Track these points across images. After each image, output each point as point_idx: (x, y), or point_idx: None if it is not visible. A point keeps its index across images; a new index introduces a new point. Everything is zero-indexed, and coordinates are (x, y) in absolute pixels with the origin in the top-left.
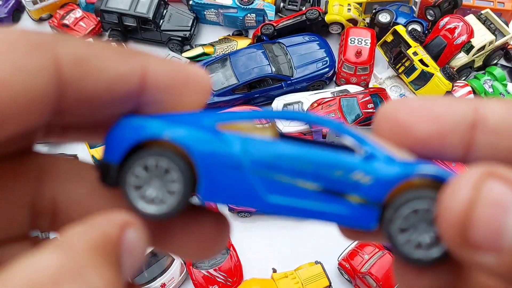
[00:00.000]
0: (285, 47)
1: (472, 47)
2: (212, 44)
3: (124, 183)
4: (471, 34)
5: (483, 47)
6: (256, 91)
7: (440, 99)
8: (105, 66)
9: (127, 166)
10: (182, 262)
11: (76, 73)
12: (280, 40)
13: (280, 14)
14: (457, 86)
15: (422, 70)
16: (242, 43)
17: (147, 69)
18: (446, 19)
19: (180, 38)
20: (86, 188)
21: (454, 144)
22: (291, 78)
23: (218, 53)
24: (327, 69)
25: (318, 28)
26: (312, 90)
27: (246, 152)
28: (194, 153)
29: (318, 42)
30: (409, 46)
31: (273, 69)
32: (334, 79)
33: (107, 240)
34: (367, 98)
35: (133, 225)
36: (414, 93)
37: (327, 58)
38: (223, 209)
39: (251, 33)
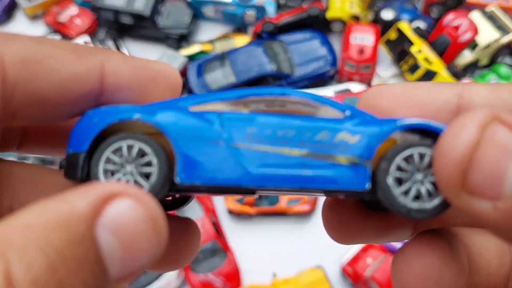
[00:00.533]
0: (285, 45)
1: (477, 45)
2: (210, 42)
3: (96, 172)
4: (476, 31)
5: (488, 45)
6: None
7: (423, 85)
8: (58, 66)
9: (98, 153)
10: None
11: (25, 74)
12: (280, 38)
13: (281, 11)
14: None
15: (426, 68)
16: (241, 40)
17: (105, 68)
18: (450, 17)
19: (177, 36)
20: (46, 195)
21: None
22: (292, 77)
23: (216, 51)
24: (329, 67)
25: (319, 25)
26: (313, 88)
27: (224, 125)
28: (168, 131)
29: (319, 39)
30: (413, 44)
31: (273, 67)
32: (336, 77)
33: (74, 216)
34: None
35: (123, 197)
36: None
37: (328, 56)
38: (221, 210)
39: (250, 30)
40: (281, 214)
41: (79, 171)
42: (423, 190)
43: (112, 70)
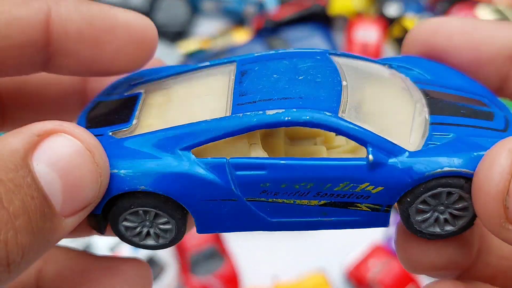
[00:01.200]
0: (287, 42)
1: None
2: (209, 38)
3: (118, 229)
4: None
5: None
6: None
7: (482, 23)
8: None
9: (112, 218)
10: (177, 269)
11: None
12: (281, 34)
13: (282, 6)
14: None
15: None
16: (241, 36)
17: (52, 13)
18: (456, 12)
19: (176, 31)
20: None
21: (491, 75)
22: None
23: (215, 48)
24: None
25: (322, 21)
26: None
27: (235, 180)
28: (180, 198)
29: (321, 36)
30: None
31: None
32: None
33: (6, 150)
34: None
35: (58, 133)
36: None
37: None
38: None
39: (250, 26)
40: None
41: (102, 229)
42: (441, 219)
43: (60, 16)
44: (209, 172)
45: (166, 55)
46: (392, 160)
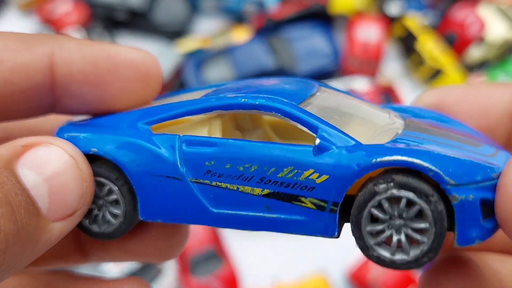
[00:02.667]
0: (287, 40)
1: (486, 40)
2: (209, 37)
3: None
4: (484, 26)
5: (498, 41)
6: None
7: (483, 88)
8: (1, 57)
9: None
10: (177, 270)
11: None
12: (281, 33)
13: (282, 5)
14: (470, 81)
15: (433, 64)
16: (241, 35)
17: (56, 57)
18: (458, 10)
19: (175, 30)
20: None
21: (500, 133)
22: (294, 72)
23: (215, 46)
24: (332, 63)
25: (322, 20)
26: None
27: (182, 157)
28: (126, 168)
29: (322, 34)
30: (419, 39)
31: (275, 63)
32: (339, 73)
33: None
34: (375, 96)
35: (43, 144)
36: (425, 88)
37: (331, 52)
38: None
39: (250, 25)
40: None
41: None
42: (402, 239)
43: (63, 59)
44: (159, 146)
45: (166, 55)
46: (339, 149)
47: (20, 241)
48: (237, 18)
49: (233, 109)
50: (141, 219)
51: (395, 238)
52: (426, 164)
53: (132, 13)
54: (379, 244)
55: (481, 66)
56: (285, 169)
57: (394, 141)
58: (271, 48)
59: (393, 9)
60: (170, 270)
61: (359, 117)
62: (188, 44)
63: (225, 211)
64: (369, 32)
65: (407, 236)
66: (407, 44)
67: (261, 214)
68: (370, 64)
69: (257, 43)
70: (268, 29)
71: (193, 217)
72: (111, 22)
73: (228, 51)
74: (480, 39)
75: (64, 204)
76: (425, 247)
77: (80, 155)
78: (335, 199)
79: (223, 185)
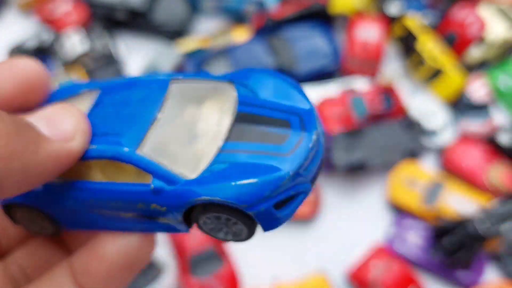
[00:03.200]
0: (287, 40)
1: (486, 40)
2: (209, 37)
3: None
4: (483, 26)
5: (498, 41)
6: None
7: None
8: None
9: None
10: (177, 270)
11: None
12: (281, 33)
13: (282, 5)
14: (470, 81)
15: (433, 65)
16: (241, 35)
17: None
18: (458, 10)
19: (175, 30)
20: None
21: None
22: (294, 72)
23: (215, 46)
24: (332, 63)
25: (322, 20)
26: (316, 84)
27: (75, 200)
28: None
29: (322, 34)
30: (419, 39)
31: (275, 63)
32: (339, 73)
33: None
34: (376, 96)
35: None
36: (425, 89)
37: (331, 52)
38: None
39: (250, 25)
40: None
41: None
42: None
43: None
44: (58, 194)
45: (166, 55)
46: (170, 187)
47: (18, 150)
48: (237, 18)
49: (94, 159)
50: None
51: (223, 232)
52: (223, 200)
53: (132, 13)
54: (215, 231)
55: (481, 66)
56: (138, 204)
57: (210, 165)
58: (271, 48)
59: (393, 9)
60: (170, 270)
61: (194, 139)
62: (188, 44)
63: (113, 226)
64: (369, 32)
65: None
66: (407, 44)
67: (138, 225)
68: (370, 64)
69: (257, 43)
70: (268, 28)
71: (96, 228)
72: (111, 22)
73: (228, 51)
74: (480, 39)
75: (60, 127)
76: (244, 237)
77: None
78: (179, 217)
79: (107, 212)
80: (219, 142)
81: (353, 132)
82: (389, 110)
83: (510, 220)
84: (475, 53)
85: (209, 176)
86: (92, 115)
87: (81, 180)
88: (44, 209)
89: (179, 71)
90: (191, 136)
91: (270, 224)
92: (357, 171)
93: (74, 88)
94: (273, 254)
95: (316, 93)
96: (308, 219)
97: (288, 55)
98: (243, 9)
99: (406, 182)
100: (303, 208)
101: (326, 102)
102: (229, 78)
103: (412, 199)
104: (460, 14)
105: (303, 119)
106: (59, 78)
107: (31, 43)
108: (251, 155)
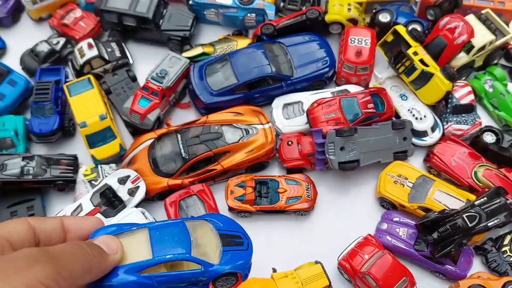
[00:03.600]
0: (285, 47)
1: (472, 47)
2: (212, 44)
3: None
4: (471, 34)
5: (483, 47)
6: (256, 91)
7: None
8: None
9: None
10: None
11: None
12: (280, 40)
13: (280, 14)
14: (457, 86)
15: (423, 70)
16: (242, 42)
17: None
18: (446, 19)
19: (180, 38)
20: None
21: None
22: (291, 78)
23: (218, 53)
24: (327, 68)
25: (318, 28)
26: (312, 90)
27: (159, 283)
28: None
29: (318, 42)
30: (409, 46)
31: (273, 69)
32: (334, 79)
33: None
34: (367, 98)
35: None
36: (414, 93)
37: (327, 58)
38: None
39: (251, 33)
40: (280, 211)
41: None
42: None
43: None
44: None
45: (173, 60)
46: (209, 268)
47: (95, 265)
48: (240, 27)
49: (167, 262)
50: None
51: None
52: (234, 270)
53: (140, 20)
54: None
55: (467, 70)
56: (192, 279)
57: (223, 257)
58: (269, 54)
59: (384, 18)
60: None
61: (207, 245)
62: (193, 50)
63: None
64: (362, 39)
65: None
66: (398, 50)
67: None
68: (363, 69)
69: (256, 50)
70: (266, 34)
71: None
72: (121, 29)
73: (228, 56)
74: (468, 45)
75: (113, 250)
76: (234, 285)
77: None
78: (209, 282)
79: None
80: (220, 246)
81: (346, 132)
82: (380, 111)
83: (497, 216)
84: (462, 58)
85: (223, 262)
86: (153, 240)
87: (159, 273)
88: None
89: (185, 74)
90: (206, 243)
91: (246, 277)
92: (349, 170)
93: (123, 226)
94: (270, 247)
95: (312, 98)
96: (308, 210)
97: (286, 61)
98: (244, 17)
99: (396, 180)
100: (304, 203)
101: (319, 103)
102: (203, 217)
103: (401, 195)
104: (450, 22)
105: (245, 235)
106: (72, 81)
107: (43, 48)
108: (235, 252)
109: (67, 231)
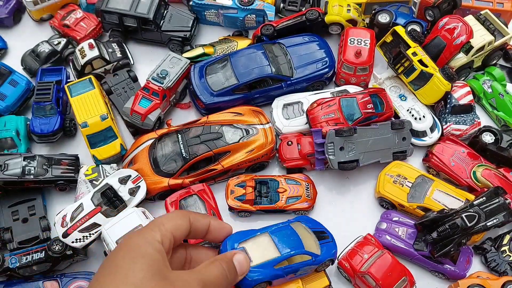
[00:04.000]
0: (284, 48)
1: (471, 47)
2: (212, 45)
3: None
4: (470, 34)
5: (482, 48)
6: (256, 91)
7: None
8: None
9: None
10: None
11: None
12: (280, 41)
13: (280, 15)
14: (456, 86)
15: (422, 70)
16: (242, 43)
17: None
18: (445, 20)
19: (180, 39)
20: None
21: None
22: (291, 79)
23: (218, 53)
24: (327, 69)
25: (317, 28)
26: (312, 91)
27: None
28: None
29: (317, 43)
30: (409, 47)
31: (273, 70)
32: (333, 79)
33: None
34: (366, 99)
35: (236, 253)
36: (413, 93)
37: (326, 59)
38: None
39: (251, 33)
40: (280, 211)
41: None
42: None
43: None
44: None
45: (173, 60)
46: (317, 258)
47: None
48: (240, 28)
49: None
50: None
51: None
52: (331, 258)
53: (140, 20)
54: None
55: (466, 70)
56: (305, 268)
57: (321, 249)
58: (269, 55)
59: (383, 19)
60: None
61: (308, 241)
62: (193, 50)
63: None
64: (361, 40)
65: None
66: (397, 51)
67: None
68: (362, 69)
69: (256, 50)
70: (266, 35)
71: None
72: (121, 29)
73: (229, 57)
74: (467, 46)
75: (242, 272)
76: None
77: (246, 260)
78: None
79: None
80: (317, 240)
81: (346, 132)
82: (379, 112)
83: (496, 215)
84: (459, 58)
85: (323, 252)
86: (276, 241)
87: (286, 265)
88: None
89: (186, 74)
90: (307, 240)
91: (333, 262)
92: (349, 169)
93: (248, 233)
94: None
95: (312, 98)
96: (307, 211)
97: (286, 61)
98: (244, 18)
99: (395, 179)
100: (303, 203)
101: (319, 103)
102: (297, 220)
103: (400, 195)
104: (449, 23)
105: (327, 230)
106: (73, 82)
107: (44, 49)
108: (325, 244)
109: (209, 232)
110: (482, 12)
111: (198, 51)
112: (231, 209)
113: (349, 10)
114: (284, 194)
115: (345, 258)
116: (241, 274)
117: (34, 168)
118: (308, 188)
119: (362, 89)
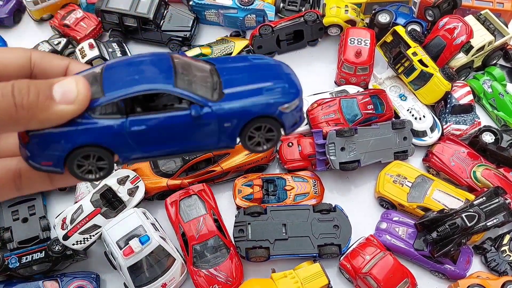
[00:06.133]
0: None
1: (471, 47)
2: (209, 45)
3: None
4: (470, 34)
5: (482, 48)
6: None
7: None
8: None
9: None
10: (183, 262)
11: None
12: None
13: (280, 15)
14: (456, 86)
15: (422, 70)
16: (240, 44)
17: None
18: (445, 20)
19: (180, 38)
20: None
21: None
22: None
23: (215, 54)
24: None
25: (316, 30)
26: (312, 92)
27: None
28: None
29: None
30: (409, 47)
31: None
32: (334, 80)
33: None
34: (367, 99)
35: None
36: (413, 93)
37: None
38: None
39: (249, 34)
40: None
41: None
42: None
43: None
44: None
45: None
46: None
47: (37, 105)
48: (240, 28)
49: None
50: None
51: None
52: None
53: (140, 20)
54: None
55: (466, 70)
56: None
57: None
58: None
59: (383, 19)
60: (176, 260)
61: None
62: (190, 51)
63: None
64: (361, 40)
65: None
66: (397, 51)
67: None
68: (363, 69)
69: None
70: (265, 35)
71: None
72: (121, 29)
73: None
74: (467, 46)
75: (68, 99)
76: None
77: (84, 81)
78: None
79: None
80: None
81: (347, 133)
82: (380, 113)
83: (496, 215)
84: (459, 58)
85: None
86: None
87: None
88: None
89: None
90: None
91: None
92: (350, 170)
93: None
94: None
95: (311, 99)
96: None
97: (208, 81)
98: (244, 18)
99: (395, 179)
100: (312, 200)
101: (319, 104)
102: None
103: (400, 195)
104: (449, 23)
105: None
106: None
107: (44, 49)
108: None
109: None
110: (482, 12)
111: (195, 51)
112: (239, 208)
113: (347, 11)
114: (291, 192)
115: (346, 259)
116: (67, 102)
117: None
118: (315, 184)
119: (362, 89)
